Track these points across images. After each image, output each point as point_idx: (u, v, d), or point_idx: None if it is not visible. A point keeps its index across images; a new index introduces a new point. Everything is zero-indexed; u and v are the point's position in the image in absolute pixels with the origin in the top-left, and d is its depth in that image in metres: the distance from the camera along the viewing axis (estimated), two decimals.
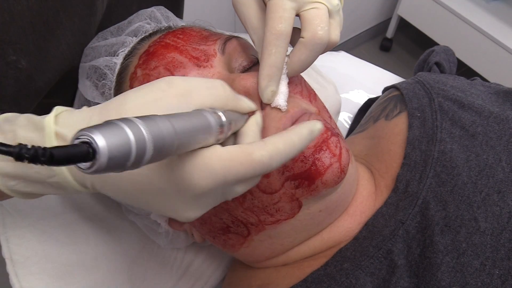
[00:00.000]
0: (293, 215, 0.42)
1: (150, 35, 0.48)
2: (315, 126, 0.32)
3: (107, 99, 0.47)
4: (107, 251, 0.55)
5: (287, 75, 0.41)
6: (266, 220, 0.42)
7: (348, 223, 0.45)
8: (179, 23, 0.52)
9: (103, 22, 0.57)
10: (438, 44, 0.76)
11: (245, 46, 0.45)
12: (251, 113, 0.37)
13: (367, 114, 0.65)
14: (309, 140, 0.32)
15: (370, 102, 0.74)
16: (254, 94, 0.40)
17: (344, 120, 0.78)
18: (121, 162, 0.20)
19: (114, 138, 0.19)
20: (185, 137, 0.25)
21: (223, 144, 0.36)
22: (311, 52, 0.38)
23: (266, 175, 0.40)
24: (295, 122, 0.41)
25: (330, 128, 0.42)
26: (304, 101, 0.44)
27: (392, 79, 0.84)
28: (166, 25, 0.50)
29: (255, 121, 0.36)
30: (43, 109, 0.61)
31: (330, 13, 0.39)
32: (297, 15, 0.39)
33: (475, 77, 0.65)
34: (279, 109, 0.40)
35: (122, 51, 0.47)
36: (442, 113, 0.51)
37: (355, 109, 0.79)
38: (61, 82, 0.54)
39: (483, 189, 0.42)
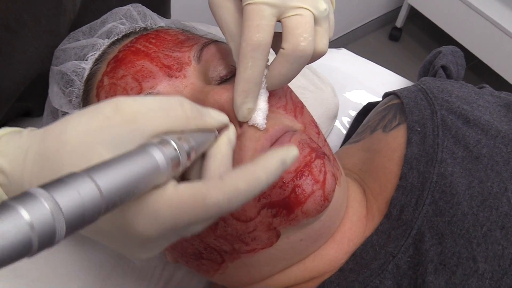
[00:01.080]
0: (271, 244, 0.38)
1: (123, 37, 0.44)
2: (289, 154, 0.28)
3: (75, 108, 0.43)
4: (79, 266, 0.51)
5: (267, 89, 0.36)
6: (241, 249, 0.39)
7: (334, 252, 0.41)
8: (159, 22, 0.48)
9: (79, 18, 0.52)
10: (448, 35, 0.70)
11: (225, 53, 0.41)
12: (224, 128, 0.32)
13: (364, 122, 0.60)
14: (280, 174, 0.28)
15: (369, 107, 0.69)
16: (230, 111, 0.35)
17: (342, 124, 0.74)
18: (19, 253, 0.16)
19: (8, 226, 0.15)
20: (118, 194, 0.21)
21: (188, 171, 0.32)
22: (292, 65, 0.34)
23: None
24: (275, 142, 0.36)
25: (316, 149, 0.38)
26: (288, 117, 0.39)
27: (396, 80, 0.79)
28: (142, 25, 0.46)
29: (226, 139, 0.32)
30: (16, 112, 0.58)
31: (316, 20, 0.34)
32: (279, 21, 0.34)
33: (484, 85, 0.60)
34: (257, 127, 0.36)
35: (91, 55, 0.43)
36: (445, 129, 0.46)
37: (355, 111, 0.75)
38: (33, 86, 0.50)
39: (485, 222, 0.38)
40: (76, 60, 0.44)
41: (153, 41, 0.41)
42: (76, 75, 0.43)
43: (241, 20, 0.34)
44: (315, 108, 0.67)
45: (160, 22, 0.48)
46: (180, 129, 0.28)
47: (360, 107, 0.74)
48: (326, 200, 0.36)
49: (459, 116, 0.47)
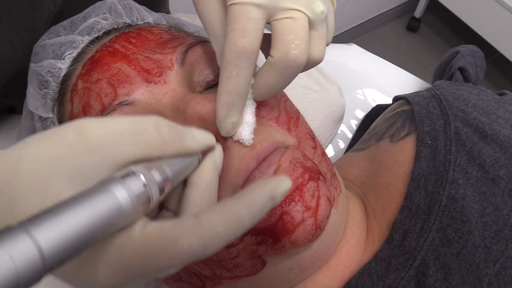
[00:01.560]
0: (255, 273, 0.34)
1: (104, 34, 0.40)
2: (280, 188, 0.24)
3: (49, 112, 0.39)
4: None
5: (254, 100, 0.32)
6: (222, 275, 0.35)
7: (327, 280, 0.37)
8: (146, 17, 0.43)
9: (65, 10, 0.48)
10: (469, 27, 0.64)
11: (213, 55, 0.36)
12: (209, 149, 0.29)
13: (371, 127, 0.56)
14: (267, 211, 0.24)
15: (378, 109, 0.64)
16: (212, 124, 0.31)
17: (348, 127, 0.69)
18: None
19: None
20: (68, 250, 0.17)
21: (168, 198, 0.28)
22: (281, 76, 0.29)
23: None
24: (262, 161, 0.32)
25: (310, 168, 0.34)
26: (280, 130, 0.35)
27: (409, 80, 0.73)
28: (127, 21, 0.42)
29: (211, 164, 0.28)
30: (0, 109, 0.55)
31: (311, 24, 0.29)
32: (269, 23, 0.30)
33: (506, 91, 0.54)
34: (243, 144, 0.32)
35: (69, 54, 0.39)
36: (458, 143, 0.41)
37: (363, 112, 0.70)
38: (13, 83, 0.47)
39: (499, 258, 0.33)
40: (53, 58, 0.40)
41: (133, 40, 0.37)
42: (51, 76, 0.39)
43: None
44: (319, 110, 0.62)
45: (147, 17, 0.43)
46: (155, 156, 0.24)
47: (369, 108, 0.69)
48: (318, 228, 0.32)
49: (475, 129, 0.42)
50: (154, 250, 0.21)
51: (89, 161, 0.21)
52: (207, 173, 0.27)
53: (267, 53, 0.33)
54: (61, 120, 0.38)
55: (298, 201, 0.31)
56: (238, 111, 0.30)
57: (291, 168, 0.33)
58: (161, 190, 0.24)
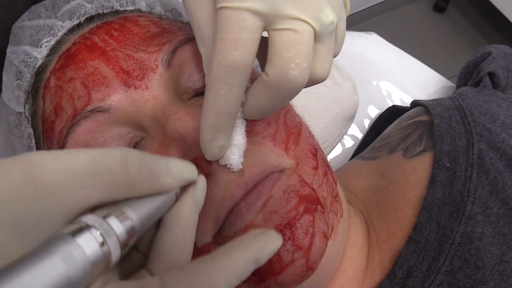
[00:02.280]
0: None
1: (85, 21, 0.35)
2: (266, 250, 0.20)
3: (21, 106, 0.35)
4: None
5: (243, 118, 0.28)
6: None
7: None
8: (137, 1, 0.38)
9: None
10: (499, 12, 0.57)
11: None
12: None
13: (384, 134, 0.50)
14: (248, 275, 0.20)
15: (394, 111, 0.59)
16: (194, 145, 0.27)
17: (359, 126, 0.64)
18: None
19: None
20: None
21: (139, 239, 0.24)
22: (276, 97, 0.25)
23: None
24: (250, 191, 0.28)
25: (306, 198, 0.29)
26: (276, 150, 0.30)
27: (431, 77, 0.67)
28: (115, 4, 0.36)
29: (190, 201, 0.24)
30: None
31: (317, 36, 0.24)
32: (266, 30, 0.25)
33: None
34: (230, 169, 0.28)
35: (46, 42, 0.35)
36: (481, 170, 0.36)
37: (377, 109, 0.64)
38: None
39: None
40: (30, 44, 0.35)
41: (115, 33, 0.32)
42: (26, 66, 0.34)
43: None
44: (329, 107, 0.57)
45: (139, 0, 0.38)
46: (121, 198, 0.20)
47: (384, 106, 0.64)
48: (310, 269, 0.28)
49: (501, 155, 0.37)
50: None
51: (37, 208, 0.18)
52: (184, 214, 0.23)
53: (262, 61, 0.28)
54: (33, 116, 0.34)
55: (289, 239, 0.27)
56: (226, 133, 0.26)
57: (284, 199, 0.28)
58: (124, 245, 0.20)
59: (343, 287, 0.35)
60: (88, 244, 0.18)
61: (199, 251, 0.29)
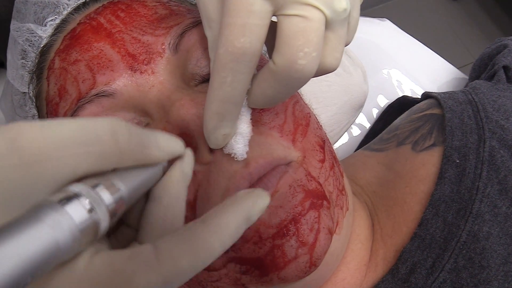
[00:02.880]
0: None
1: (91, 0, 0.34)
2: (256, 207, 0.20)
3: (25, 86, 0.35)
4: None
5: (248, 106, 0.27)
6: None
7: None
8: None
9: None
10: None
11: None
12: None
13: (392, 126, 0.50)
14: (240, 235, 0.20)
15: (404, 102, 0.58)
16: (197, 132, 0.26)
17: (367, 115, 0.63)
18: None
19: None
20: None
21: (128, 213, 0.24)
22: (282, 87, 0.24)
23: None
24: (256, 183, 0.27)
25: (313, 192, 0.29)
26: (283, 141, 0.30)
27: (444, 68, 0.65)
28: None
29: (178, 173, 0.23)
30: None
31: (328, 24, 0.23)
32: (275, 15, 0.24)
33: None
34: (234, 158, 0.27)
35: (51, 20, 0.34)
36: (491, 168, 0.36)
37: (386, 99, 0.63)
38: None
39: None
40: (34, 21, 0.35)
41: (122, 15, 0.31)
42: (30, 45, 0.34)
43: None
44: (338, 95, 0.56)
45: None
46: (110, 168, 0.20)
47: (394, 96, 0.63)
48: (313, 266, 0.28)
49: None
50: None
51: (22, 178, 0.17)
52: (172, 185, 0.22)
53: (270, 47, 0.27)
54: (37, 97, 0.34)
55: (293, 235, 0.27)
56: (231, 121, 0.25)
57: (290, 194, 0.28)
58: (113, 214, 0.19)
59: (345, 280, 0.35)
60: (76, 212, 0.17)
61: None
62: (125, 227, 0.24)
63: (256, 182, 0.27)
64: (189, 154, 0.24)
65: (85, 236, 0.18)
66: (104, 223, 0.19)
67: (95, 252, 0.19)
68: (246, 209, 0.20)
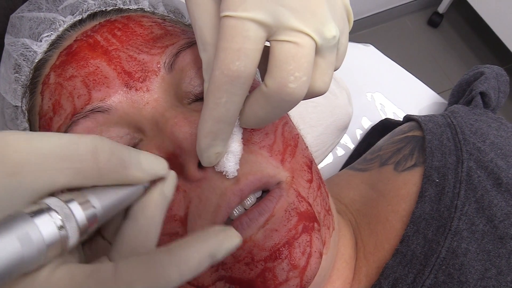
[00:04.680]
0: None
1: (88, 18, 0.35)
2: (223, 246, 0.21)
3: (18, 100, 0.35)
4: None
5: (240, 126, 0.28)
6: None
7: None
8: (142, 0, 0.38)
9: None
10: (492, 31, 0.59)
11: None
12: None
13: (376, 147, 0.51)
14: (203, 270, 0.20)
15: (387, 124, 0.60)
16: (190, 150, 0.27)
17: (352, 137, 0.65)
18: None
19: None
20: None
21: (105, 226, 0.25)
22: (273, 109, 0.25)
23: None
24: (245, 198, 0.28)
25: (305, 215, 0.30)
26: (272, 161, 0.31)
27: (425, 93, 0.68)
28: (119, 2, 0.37)
29: (158, 195, 0.24)
30: None
31: (318, 50, 0.25)
32: (268, 40, 0.25)
33: None
34: (225, 175, 0.28)
35: (47, 36, 0.35)
36: (469, 188, 0.37)
37: (370, 121, 0.65)
38: None
39: None
40: (29, 37, 0.35)
41: (118, 33, 0.32)
42: (25, 60, 0.34)
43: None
44: (324, 116, 0.58)
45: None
46: (88, 185, 0.20)
47: (377, 118, 0.65)
48: None
49: (489, 174, 0.38)
50: None
51: (3, 185, 0.18)
52: (149, 207, 0.23)
53: (262, 70, 0.28)
54: (30, 111, 0.34)
55: (285, 258, 0.28)
56: (223, 140, 0.26)
57: (286, 218, 0.29)
58: (83, 231, 0.20)
59: None
60: (45, 226, 0.18)
61: None
62: (101, 238, 0.25)
63: (253, 207, 0.28)
64: (172, 176, 0.24)
65: (51, 251, 0.18)
66: (73, 239, 0.19)
67: (60, 263, 0.20)
68: (212, 247, 0.20)
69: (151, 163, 0.23)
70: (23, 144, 0.18)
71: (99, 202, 0.21)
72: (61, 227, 0.18)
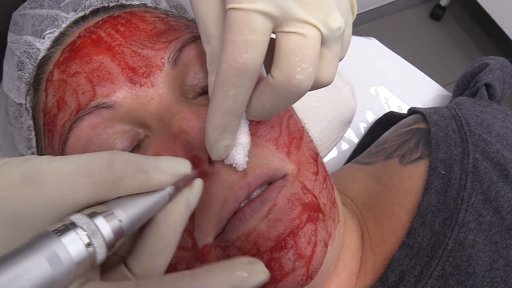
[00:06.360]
0: None
1: (90, 14, 0.35)
2: (249, 281, 0.20)
3: (22, 98, 0.35)
4: None
5: (246, 118, 0.28)
6: None
7: None
8: None
9: None
10: (495, 23, 0.58)
11: None
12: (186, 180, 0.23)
13: (380, 140, 0.51)
14: None
15: (391, 117, 0.59)
16: (199, 144, 0.27)
17: (356, 131, 0.64)
18: None
19: None
20: None
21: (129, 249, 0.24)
22: (280, 100, 0.25)
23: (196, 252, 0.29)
24: (256, 198, 0.28)
25: (309, 205, 0.30)
26: (278, 154, 0.31)
27: (429, 85, 0.68)
28: None
29: (183, 204, 0.23)
30: None
31: (324, 41, 0.25)
32: (274, 32, 0.25)
33: None
34: (235, 168, 0.28)
35: (49, 33, 0.34)
36: (475, 179, 0.37)
37: (374, 115, 0.65)
38: None
39: None
40: (32, 34, 0.35)
41: (122, 29, 0.32)
42: (28, 57, 0.34)
43: (224, 19, 0.25)
44: (328, 110, 0.58)
45: None
46: (111, 197, 0.21)
47: (381, 111, 0.65)
48: (309, 278, 0.28)
49: (496, 165, 0.38)
50: None
51: (31, 206, 0.19)
52: (174, 216, 0.23)
53: (267, 62, 0.28)
54: (34, 109, 0.34)
55: (291, 248, 0.28)
56: (232, 133, 0.26)
57: (289, 207, 0.29)
58: (110, 246, 0.20)
59: None
60: (73, 245, 0.18)
61: (199, 252, 0.29)
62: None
63: (252, 191, 0.28)
64: (198, 183, 0.24)
65: (80, 268, 0.18)
66: (101, 256, 0.19)
67: (85, 280, 0.20)
68: (238, 279, 0.19)
69: (172, 164, 0.22)
70: (46, 167, 0.19)
71: (125, 214, 0.20)
72: (88, 245, 0.19)
